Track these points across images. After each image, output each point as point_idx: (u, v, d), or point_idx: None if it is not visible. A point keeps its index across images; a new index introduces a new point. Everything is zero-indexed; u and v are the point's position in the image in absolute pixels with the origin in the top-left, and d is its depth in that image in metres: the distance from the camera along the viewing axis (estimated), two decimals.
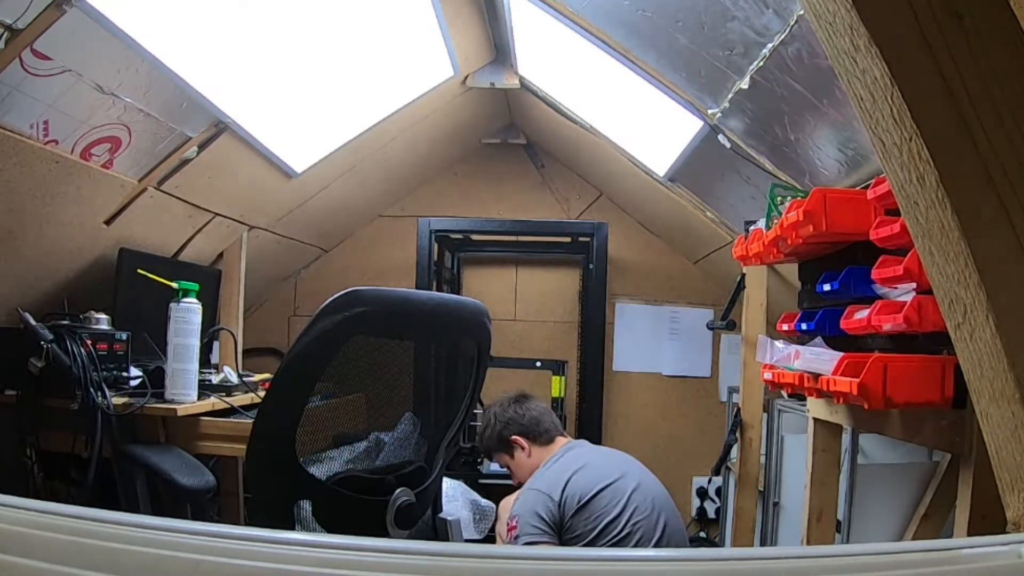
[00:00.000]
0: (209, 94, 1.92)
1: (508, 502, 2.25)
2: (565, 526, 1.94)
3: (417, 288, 3.00)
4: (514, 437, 2.23)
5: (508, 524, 2.02)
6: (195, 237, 2.55)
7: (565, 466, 2.05)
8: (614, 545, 1.90)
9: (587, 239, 3.25)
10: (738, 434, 2.64)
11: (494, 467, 2.89)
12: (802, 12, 1.41)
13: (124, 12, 1.51)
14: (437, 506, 1.63)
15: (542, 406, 2.32)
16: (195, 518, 1.90)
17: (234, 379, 2.19)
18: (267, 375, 2.39)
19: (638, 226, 3.64)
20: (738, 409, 2.64)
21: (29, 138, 1.63)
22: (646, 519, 1.94)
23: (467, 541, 2.44)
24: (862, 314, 1.37)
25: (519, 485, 2.21)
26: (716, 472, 3.02)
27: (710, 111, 2.05)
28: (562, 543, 1.94)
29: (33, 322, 1.74)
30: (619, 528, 1.91)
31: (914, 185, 0.69)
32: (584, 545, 1.91)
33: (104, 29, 1.51)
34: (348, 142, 2.65)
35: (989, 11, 0.61)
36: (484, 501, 2.93)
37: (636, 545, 1.91)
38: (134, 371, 1.97)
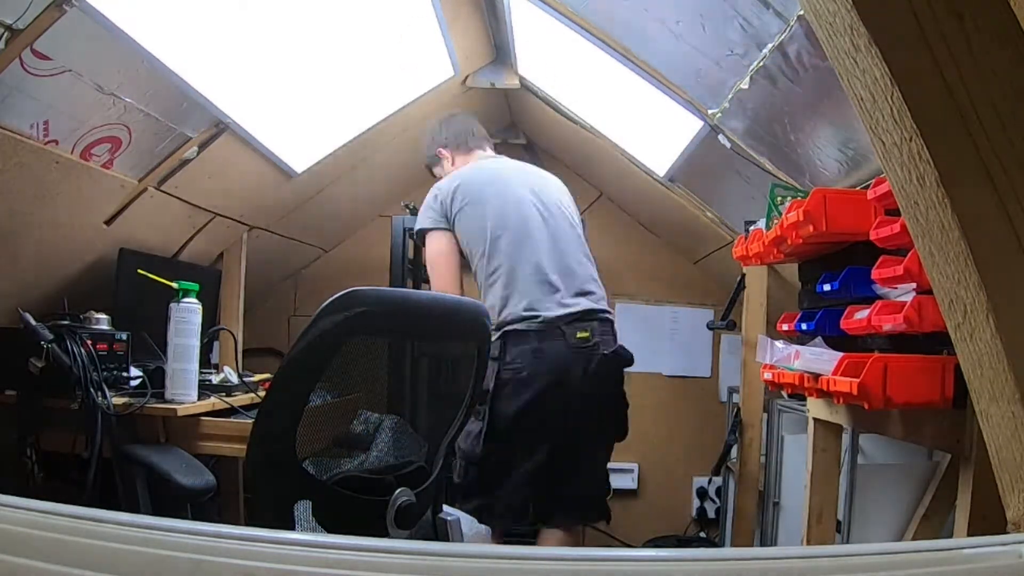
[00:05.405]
0: (209, 94, 1.92)
1: None
2: (450, 219, 2.21)
3: (391, 287, 2.97)
4: (439, 150, 2.43)
5: None
6: (195, 237, 2.55)
7: (465, 172, 2.28)
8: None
9: None
10: (738, 434, 2.64)
11: None
12: (802, 12, 1.41)
13: (124, 12, 1.51)
14: (437, 506, 1.63)
15: (469, 120, 2.48)
16: (195, 518, 1.89)
17: (234, 379, 2.19)
18: (267, 375, 2.39)
19: (638, 226, 3.63)
20: (738, 409, 2.64)
21: (29, 138, 1.63)
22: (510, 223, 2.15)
23: None
24: (862, 314, 1.37)
25: None
26: (716, 472, 3.02)
27: (710, 111, 2.05)
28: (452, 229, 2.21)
29: (33, 322, 1.74)
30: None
31: (914, 185, 0.69)
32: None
33: (104, 29, 1.51)
34: (348, 142, 2.64)
35: (989, 11, 0.61)
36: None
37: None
38: (134, 371, 1.97)
